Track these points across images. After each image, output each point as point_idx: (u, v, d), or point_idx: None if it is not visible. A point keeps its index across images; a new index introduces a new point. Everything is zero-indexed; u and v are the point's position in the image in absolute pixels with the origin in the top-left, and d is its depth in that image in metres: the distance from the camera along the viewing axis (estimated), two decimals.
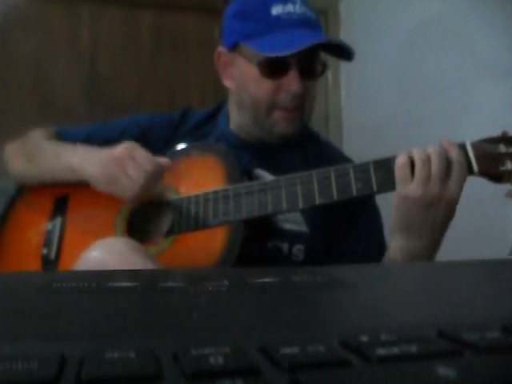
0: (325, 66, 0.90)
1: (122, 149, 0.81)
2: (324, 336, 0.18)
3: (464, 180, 0.72)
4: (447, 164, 0.71)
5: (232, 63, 0.91)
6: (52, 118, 1.82)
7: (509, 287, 0.30)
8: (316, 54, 0.88)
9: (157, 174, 0.81)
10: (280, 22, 0.83)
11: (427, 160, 0.71)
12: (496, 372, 0.15)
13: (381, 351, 0.16)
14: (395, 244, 0.75)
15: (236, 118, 0.94)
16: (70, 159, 0.87)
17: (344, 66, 2.08)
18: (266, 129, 0.89)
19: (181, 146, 0.93)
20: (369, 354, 0.16)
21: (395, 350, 0.16)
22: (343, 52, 0.88)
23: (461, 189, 0.72)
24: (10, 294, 0.27)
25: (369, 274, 0.37)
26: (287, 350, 0.16)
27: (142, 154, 0.81)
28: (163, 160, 0.83)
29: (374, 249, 0.87)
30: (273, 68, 0.85)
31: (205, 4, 1.89)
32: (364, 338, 0.17)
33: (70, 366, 0.15)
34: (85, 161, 0.85)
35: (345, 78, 2.09)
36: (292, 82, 0.84)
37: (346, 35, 2.09)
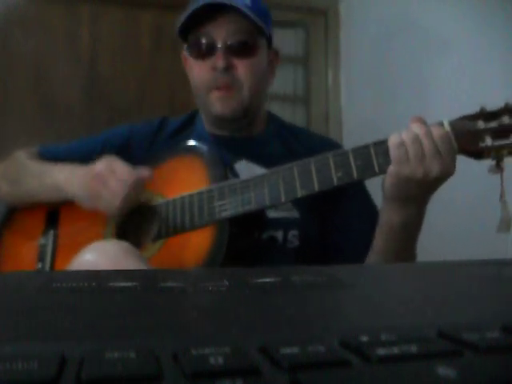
0: (272, 50, 0.94)
1: (101, 164, 0.83)
2: (324, 336, 0.18)
3: (455, 152, 0.71)
4: (434, 141, 0.71)
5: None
6: (52, 118, 1.82)
7: (509, 287, 0.30)
8: (244, 33, 0.88)
9: (138, 184, 0.82)
10: (205, 7, 0.85)
11: (417, 139, 0.71)
12: (496, 372, 0.15)
13: (381, 351, 0.16)
14: (391, 209, 0.75)
15: (202, 115, 0.96)
16: (55, 179, 0.88)
17: (344, 65, 2.08)
18: (207, 112, 0.92)
19: (163, 152, 0.94)
20: (369, 354, 0.16)
21: (395, 350, 0.16)
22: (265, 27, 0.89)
23: (455, 161, 0.72)
24: (9, 294, 0.27)
25: (369, 274, 0.37)
26: (287, 350, 0.16)
27: (121, 167, 0.82)
28: (143, 170, 0.84)
29: (368, 218, 0.88)
30: (199, 49, 0.88)
31: None
32: (364, 338, 0.17)
33: (70, 366, 0.15)
34: (68, 180, 0.86)
35: (345, 78, 2.09)
36: (217, 58, 0.86)
37: (346, 35, 2.10)
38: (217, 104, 0.89)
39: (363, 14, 2.11)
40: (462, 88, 2.10)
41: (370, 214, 0.90)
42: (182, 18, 0.87)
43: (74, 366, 0.15)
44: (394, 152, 0.71)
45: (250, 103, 0.91)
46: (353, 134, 1.98)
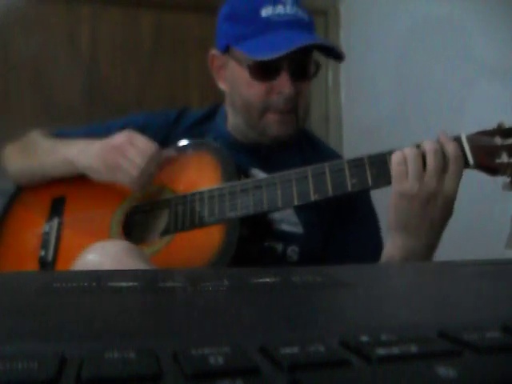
0: (317, 67, 0.89)
1: (120, 136, 0.82)
2: (324, 336, 0.18)
3: (461, 175, 0.71)
4: (443, 159, 0.71)
5: (225, 66, 0.91)
6: (52, 118, 1.82)
7: (509, 287, 0.30)
8: (308, 55, 0.87)
9: (157, 157, 0.82)
10: (270, 24, 0.82)
11: (420, 156, 0.70)
12: (496, 372, 0.15)
13: (381, 351, 0.16)
14: (394, 243, 0.74)
15: (231, 119, 0.94)
16: (68, 152, 0.88)
17: (344, 65, 2.08)
18: (259, 131, 0.89)
19: (177, 145, 0.93)
20: (369, 354, 0.16)
21: (395, 350, 0.16)
22: (334, 52, 0.87)
23: (457, 184, 0.71)
24: (10, 294, 0.27)
25: (369, 273, 0.37)
26: (287, 350, 0.16)
27: (140, 139, 0.81)
28: (165, 150, 0.83)
29: (371, 247, 0.87)
30: (263, 71, 0.84)
31: (205, 4, 1.89)
32: (364, 338, 0.17)
33: (69, 366, 0.15)
34: (82, 152, 0.85)
35: (345, 78, 2.09)
36: (284, 84, 0.83)
37: (346, 35, 2.09)
38: (275, 127, 0.86)
39: (364, 14, 2.11)
40: (460, 87, 2.10)
41: (376, 242, 0.89)
42: (256, 43, 0.83)
43: (74, 366, 0.15)
44: (394, 169, 0.71)
45: (303, 123, 0.90)
46: (353, 135, 1.98)
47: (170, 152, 0.85)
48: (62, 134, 0.99)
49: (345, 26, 2.10)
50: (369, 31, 2.11)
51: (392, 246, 0.75)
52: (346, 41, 2.09)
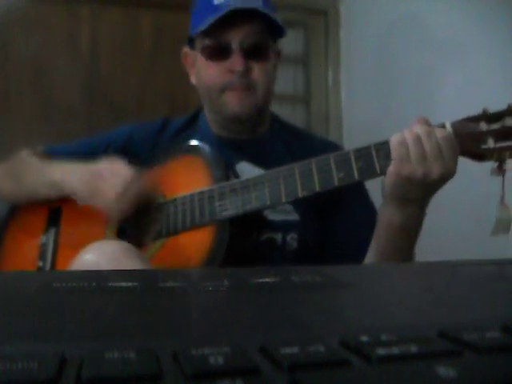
0: (276, 50, 0.93)
1: (103, 163, 0.84)
2: (324, 336, 0.18)
3: (457, 154, 0.71)
4: (437, 142, 0.70)
5: (194, 60, 0.94)
6: (52, 118, 1.82)
7: (509, 287, 0.30)
8: (259, 36, 0.89)
9: (136, 183, 0.83)
10: (221, 8, 0.86)
11: (419, 139, 0.70)
12: (496, 372, 0.15)
13: (381, 351, 0.16)
14: (393, 214, 0.75)
15: (207, 115, 0.97)
16: (53, 174, 0.89)
17: (344, 65, 2.08)
18: (219, 112, 0.91)
19: (166, 150, 0.94)
20: (369, 354, 0.16)
21: (395, 350, 0.16)
22: (278, 28, 0.90)
23: (456, 163, 0.71)
24: (10, 294, 0.27)
25: (368, 273, 0.37)
26: (287, 350, 0.16)
27: (120, 166, 0.83)
28: (145, 172, 0.85)
29: (368, 223, 0.87)
30: (215, 51, 0.88)
31: None
32: (364, 338, 0.17)
33: (69, 366, 0.15)
34: (67, 175, 0.87)
35: (345, 78, 2.09)
36: (235, 61, 0.87)
37: (346, 35, 2.10)
38: (232, 103, 0.89)
39: (364, 14, 2.11)
40: (463, 89, 2.10)
41: (371, 218, 0.90)
42: (203, 21, 0.86)
43: (74, 366, 0.15)
44: (395, 151, 0.71)
45: (263, 104, 0.92)
46: (353, 134, 1.98)
47: (150, 175, 0.86)
48: (50, 151, 1.00)
49: (345, 25, 2.10)
50: (368, 31, 2.11)
51: (390, 211, 0.75)
52: (345, 41, 2.10)
